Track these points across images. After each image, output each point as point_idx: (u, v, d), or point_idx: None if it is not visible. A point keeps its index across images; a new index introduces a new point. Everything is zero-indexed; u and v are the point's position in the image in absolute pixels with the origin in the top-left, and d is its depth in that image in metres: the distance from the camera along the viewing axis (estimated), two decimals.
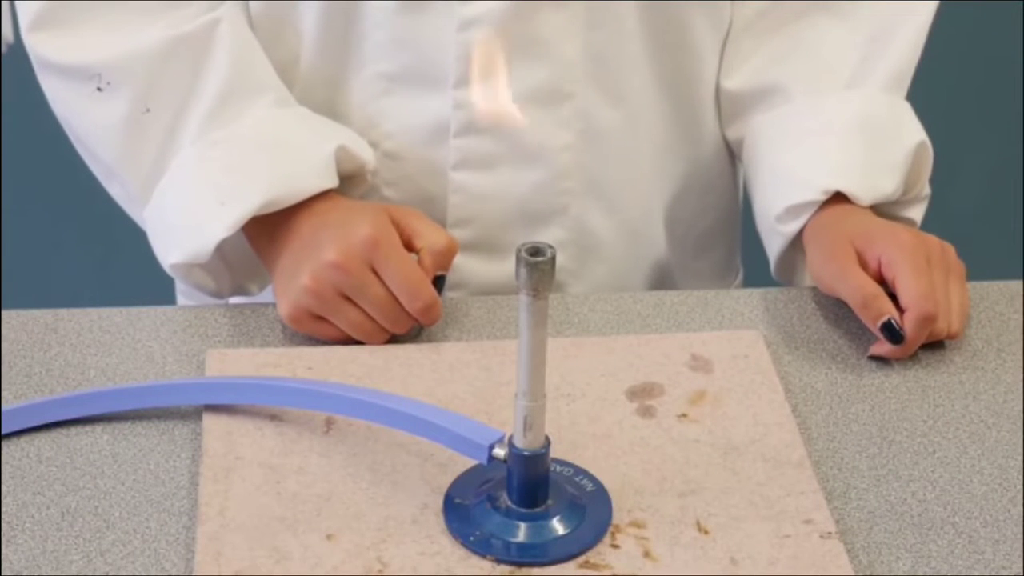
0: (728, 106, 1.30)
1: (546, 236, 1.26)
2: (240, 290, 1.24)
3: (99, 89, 1.17)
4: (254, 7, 1.22)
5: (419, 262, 1.14)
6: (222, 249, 1.16)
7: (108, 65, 1.17)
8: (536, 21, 1.19)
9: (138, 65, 1.17)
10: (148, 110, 1.17)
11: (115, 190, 1.23)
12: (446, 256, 1.15)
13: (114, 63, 1.17)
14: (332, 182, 1.17)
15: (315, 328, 1.13)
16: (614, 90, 1.24)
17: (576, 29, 1.21)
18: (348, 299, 1.12)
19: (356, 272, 1.11)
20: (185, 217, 1.16)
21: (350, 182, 1.21)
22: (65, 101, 1.20)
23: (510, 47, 1.20)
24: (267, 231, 1.17)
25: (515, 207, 1.25)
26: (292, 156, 1.17)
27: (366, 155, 1.20)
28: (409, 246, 1.14)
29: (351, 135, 1.20)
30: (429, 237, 1.14)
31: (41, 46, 1.19)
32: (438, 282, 1.14)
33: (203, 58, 1.17)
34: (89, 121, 1.19)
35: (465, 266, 1.24)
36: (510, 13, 1.19)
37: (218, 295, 1.22)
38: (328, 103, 1.24)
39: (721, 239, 1.40)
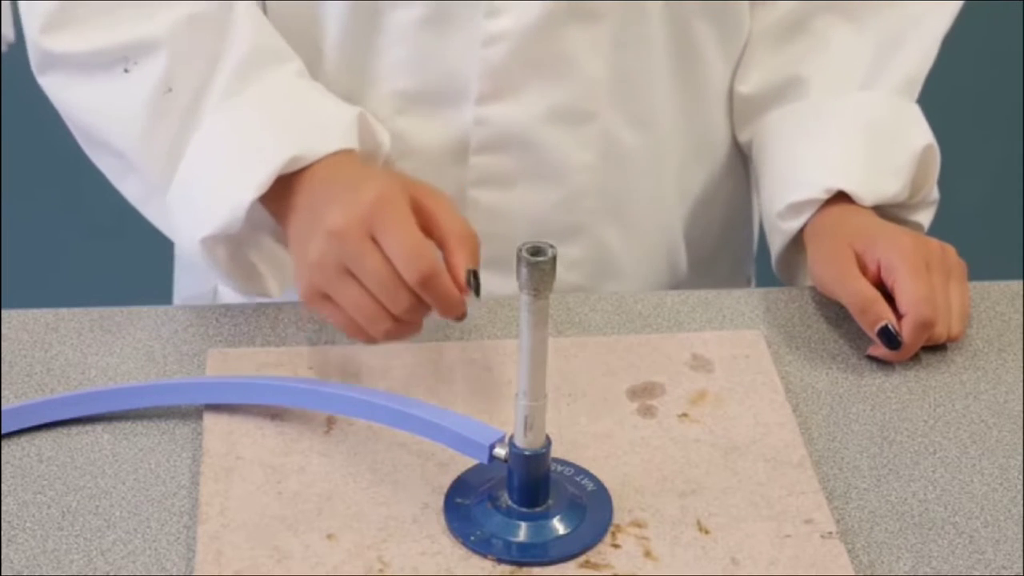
0: (743, 110, 1.29)
1: (562, 254, 1.24)
2: (261, 286, 1.18)
3: (126, 71, 1.13)
4: (274, 17, 1.19)
5: (443, 246, 1.05)
6: (251, 218, 1.10)
7: (135, 44, 1.13)
8: (562, 39, 1.18)
9: (164, 42, 1.12)
10: (170, 90, 1.13)
11: (130, 187, 1.19)
12: (471, 242, 1.05)
13: (141, 41, 1.12)
14: (354, 143, 1.11)
15: (325, 308, 1.06)
16: (637, 111, 1.23)
17: (603, 48, 1.19)
18: (350, 273, 1.04)
19: (354, 240, 1.03)
20: (212, 186, 1.11)
21: (364, 161, 1.15)
22: (81, 96, 1.16)
23: (535, 64, 1.18)
24: (281, 194, 1.10)
25: (531, 224, 1.24)
26: (314, 116, 1.13)
27: (383, 136, 1.15)
28: (427, 230, 1.05)
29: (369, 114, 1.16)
30: (453, 224, 1.05)
31: (59, 44, 1.15)
32: (472, 280, 1.04)
33: (224, 34, 1.13)
34: (108, 110, 1.15)
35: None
36: (536, 29, 1.17)
37: (242, 284, 1.16)
38: None
39: (735, 247, 1.39)
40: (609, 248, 1.27)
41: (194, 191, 1.12)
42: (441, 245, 1.05)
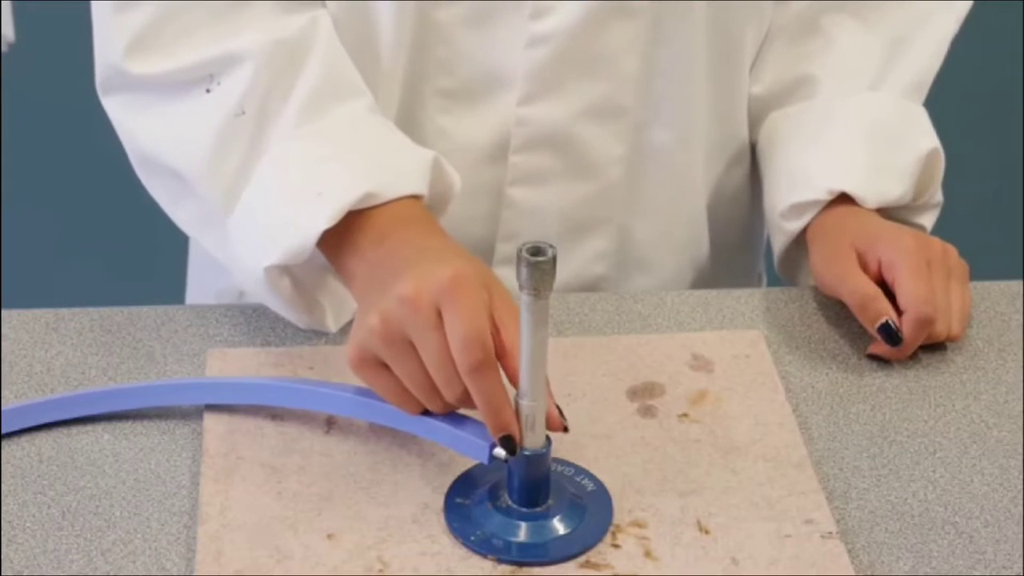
0: (755, 110, 1.29)
1: (589, 246, 1.25)
2: (320, 320, 1.14)
3: (208, 91, 1.11)
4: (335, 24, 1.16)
5: (507, 361, 0.98)
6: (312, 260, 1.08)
7: (222, 58, 1.10)
8: (603, 37, 1.17)
9: (249, 58, 1.10)
10: (243, 112, 1.10)
11: (184, 212, 1.15)
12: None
13: (229, 55, 1.10)
14: (425, 189, 1.09)
15: (372, 373, 1.01)
16: (668, 106, 1.23)
17: (640, 45, 1.19)
18: (411, 345, 0.98)
19: (424, 311, 0.97)
20: (281, 214, 1.08)
21: (431, 205, 1.13)
22: (152, 117, 1.13)
23: (576, 63, 1.17)
24: (340, 231, 1.07)
25: (561, 219, 1.24)
26: (391, 155, 1.11)
27: (454, 178, 1.12)
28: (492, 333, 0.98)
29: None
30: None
31: (144, 66, 1.11)
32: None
33: (302, 62, 1.11)
34: (179, 131, 1.12)
35: (509, 279, 1.19)
36: (580, 29, 1.16)
37: (302, 316, 1.13)
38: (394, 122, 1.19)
39: (753, 244, 1.39)
40: (635, 240, 1.27)
41: (261, 217, 1.09)
42: (504, 358, 0.98)
